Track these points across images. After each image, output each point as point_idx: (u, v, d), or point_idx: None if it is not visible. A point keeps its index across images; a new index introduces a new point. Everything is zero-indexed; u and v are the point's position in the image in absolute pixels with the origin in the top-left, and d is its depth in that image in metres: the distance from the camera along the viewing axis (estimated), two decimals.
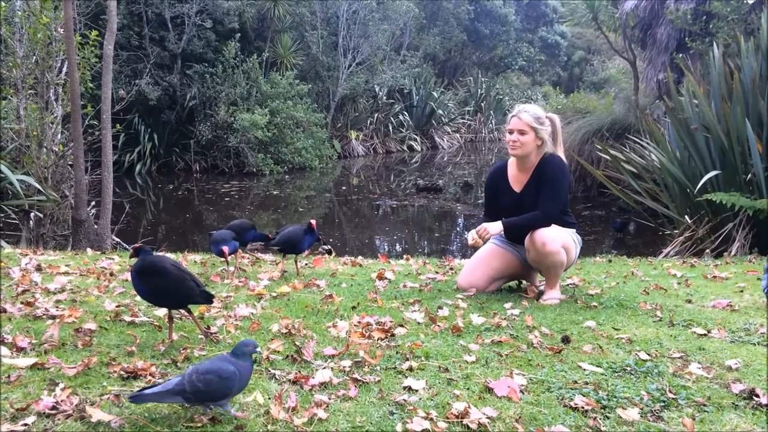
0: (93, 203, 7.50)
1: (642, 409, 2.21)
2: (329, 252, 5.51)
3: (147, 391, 1.95)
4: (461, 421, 2.06)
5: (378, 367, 2.52)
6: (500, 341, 2.88)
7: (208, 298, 2.67)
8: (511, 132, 3.78)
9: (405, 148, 24.67)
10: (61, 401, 2.03)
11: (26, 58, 7.34)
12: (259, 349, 2.06)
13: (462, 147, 27.42)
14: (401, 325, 3.07)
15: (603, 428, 2.08)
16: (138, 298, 3.14)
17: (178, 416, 2.01)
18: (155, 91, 16.46)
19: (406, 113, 25.00)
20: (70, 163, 7.31)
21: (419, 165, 21.60)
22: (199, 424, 1.97)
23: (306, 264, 4.72)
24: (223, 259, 4.06)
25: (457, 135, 28.38)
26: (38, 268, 4.15)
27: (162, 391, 1.93)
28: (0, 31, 7.29)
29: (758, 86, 6.61)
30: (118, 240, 7.64)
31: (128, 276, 3.25)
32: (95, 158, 7.75)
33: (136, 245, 2.77)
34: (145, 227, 11.11)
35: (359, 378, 2.37)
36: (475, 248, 4.01)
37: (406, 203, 13.84)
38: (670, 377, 2.50)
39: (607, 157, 8.51)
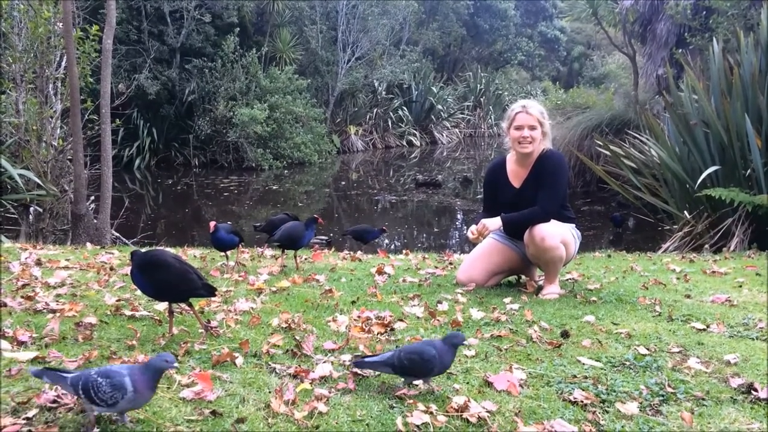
0: (92, 198, 7.51)
1: (641, 403, 2.22)
2: (329, 244, 5.53)
3: (368, 359, 2.29)
4: (461, 415, 2.07)
5: None
6: (499, 336, 2.89)
7: (210, 291, 2.68)
8: (519, 128, 3.75)
9: (404, 143, 24.67)
10: (62, 395, 2.03)
11: (25, 52, 7.33)
12: (466, 342, 2.26)
13: (461, 142, 27.43)
14: (401, 320, 3.07)
15: (602, 422, 2.09)
16: (138, 292, 3.15)
17: (179, 410, 2.02)
18: (154, 86, 16.44)
19: (405, 108, 25.00)
20: (69, 157, 7.31)
21: (418, 160, 21.60)
22: (201, 418, 1.98)
23: (305, 259, 4.72)
24: (222, 254, 4.06)
25: (456, 130, 28.38)
26: (38, 263, 4.15)
27: (378, 361, 2.24)
28: (0, 25, 7.27)
29: (758, 82, 6.61)
30: (118, 235, 7.65)
31: (128, 270, 3.25)
32: (94, 153, 7.75)
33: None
34: (144, 222, 11.11)
35: (359, 372, 2.38)
36: (474, 243, 4.02)
37: (406, 198, 13.84)
38: (669, 372, 2.51)
39: (607, 153, 8.52)
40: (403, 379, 2.27)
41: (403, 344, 2.72)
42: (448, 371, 2.44)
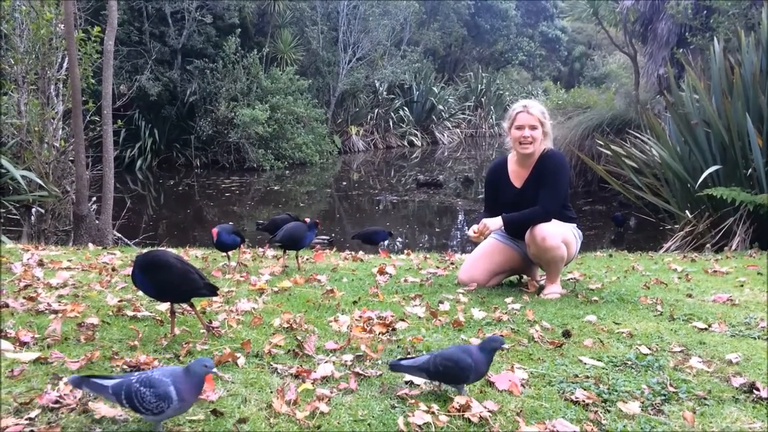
0: (94, 199, 7.52)
1: (643, 402, 2.22)
2: (330, 244, 5.55)
3: (403, 362, 2.26)
4: (463, 415, 2.07)
5: (379, 361, 2.52)
6: (501, 335, 2.89)
7: (212, 291, 2.68)
8: (520, 128, 3.75)
9: (405, 143, 24.67)
10: (65, 395, 2.04)
11: (27, 53, 7.33)
12: (505, 346, 2.23)
13: (462, 142, 27.43)
14: (402, 320, 3.08)
15: (604, 422, 2.09)
16: (140, 293, 3.15)
17: None
18: (156, 87, 16.46)
19: (406, 108, 25.00)
20: (71, 158, 7.32)
21: (419, 160, 21.60)
22: (203, 418, 1.98)
23: (307, 259, 4.73)
24: (223, 254, 4.07)
25: (458, 130, 28.38)
26: (40, 264, 4.16)
27: (413, 365, 2.22)
28: (1, 26, 7.29)
29: (759, 81, 6.61)
30: (120, 235, 7.66)
31: (130, 271, 3.25)
32: (96, 154, 7.76)
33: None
34: (146, 222, 11.12)
35: (361, 372, 2.38)
36: (475, 243, 4.02)
37: (407, 198, 13.84)
38: (670, 371, 2.51)
39: (608, 152, 8.51)
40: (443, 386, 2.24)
41: (403, 344, 2.72)
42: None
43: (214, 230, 4.02)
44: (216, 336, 2.74)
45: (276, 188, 15.14)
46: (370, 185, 15.84)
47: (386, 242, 6.13)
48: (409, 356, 2.46)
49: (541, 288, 3.85)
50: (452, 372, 2.15)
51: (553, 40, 37.20)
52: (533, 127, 3.74)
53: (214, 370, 1.90)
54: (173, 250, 5.12)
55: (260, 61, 18.11)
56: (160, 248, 4.60)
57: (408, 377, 2.35)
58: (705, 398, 2.28)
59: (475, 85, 30.34)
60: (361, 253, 5.37)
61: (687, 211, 6.89)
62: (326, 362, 2.47)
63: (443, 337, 2.87)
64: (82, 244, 6.04)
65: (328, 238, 6.65)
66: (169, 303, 2.75)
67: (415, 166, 19.91)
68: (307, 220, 4.51)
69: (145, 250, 3.36)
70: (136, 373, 1.89)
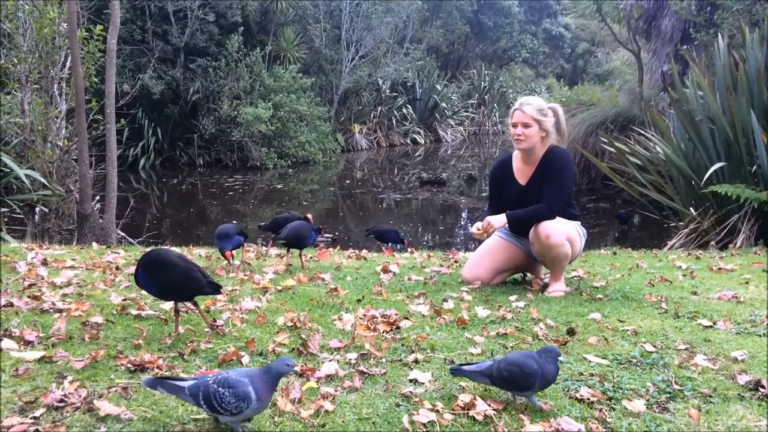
0: (98, 198, 7.53)
1: (648, 400, 2.22)
2: (334, 241, 5.56)
3: (465, 367, 2.20)
4: (467, 413, 2.07)
5: (384, 360, 2.52)
6: (505, 333, 2.89)
7: (216, 289, 2.68)
8: (515, 125, 3.77)
9: (408, 141, 24.66)
10: (69, 394, 2.04)
11: (30, 52, 7.34)
12: (561, 358, 2.14)
13: (465, 140, 27.40)
14: (406, 318, 3.07)
15: (609, 420, 2.08)
16: (144, 292, 3.15)
17: (186, 409, 2.02)
18: (158, 86, 16.47)
19: (409, 106, 24.98)
20: (74, 157, 7.33)
21: (423, 158, 21.58)
22: (208, 417, 1.98)
23: (311, 257, 4.72)
24: (227, 259, 4.07)
25: (461, 128, 28.35)
26: (44, 263, 4.16)
27: (475, 370, 2.16)
28: (5, 25, 7.29)
29: (763, 77, 6.58)
30: (123, 234, 7.67)
31: (133, 270, 3.25)
32: (99, 153, 7.77)
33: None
34: (149, 221, 11.13)
35: (365, 370, 2.38)
36: (479, 241, 4.01)
37: (410, 197, 13.84)
38: (675, 369, 2.50)
39: (612, 150, 8.49)
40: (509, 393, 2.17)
41: (407, 342, 2.72)
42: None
43: (227, 253, 4.02)
44: (220, 335, 2.74)
45: (279, 187, 15.14)
46: (374, 183, 15.84)
47: (398, 245, 6.16)
48: (470, 362, 2.36)
49: (546, 286, 3.85)
50: (517, 378, 2.07)
51: (556, 37, 37.12)
52: (526, 125, 3.74)
53: (296, 368, 1.93)
54: (177, 249, 5.13)
55: (263, 60, 18.11)
56: (162, 247, 4.60)
57: (413, 375, 2.34)
58: (710, 396, 2.27)
59: (479, 83, 30.30)
60: (364, 251, 5.37)
61: (691, 209, 6.87)
62: (330, 361, 2.47)
63: (447, 335, 2.87)
64: (85, 243, 6.05)
65: (331, 236, 6.66)
66: (173, 302, 2.75)
67: (419, 164, 19.89)
68: (309, 216, 4.53)
69: (147, 249, 3.36)
70: (211, 375, 1.91)
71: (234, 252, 4.28)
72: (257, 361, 2.46)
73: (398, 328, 2.93)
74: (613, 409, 2.15)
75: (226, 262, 4.36)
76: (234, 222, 5.41)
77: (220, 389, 1.83)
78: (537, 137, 3.76)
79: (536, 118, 3.73)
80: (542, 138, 3.78)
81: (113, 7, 6.93)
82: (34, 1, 7.32)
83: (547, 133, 3.78)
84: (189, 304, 2.82)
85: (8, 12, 7.37)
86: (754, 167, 6.49)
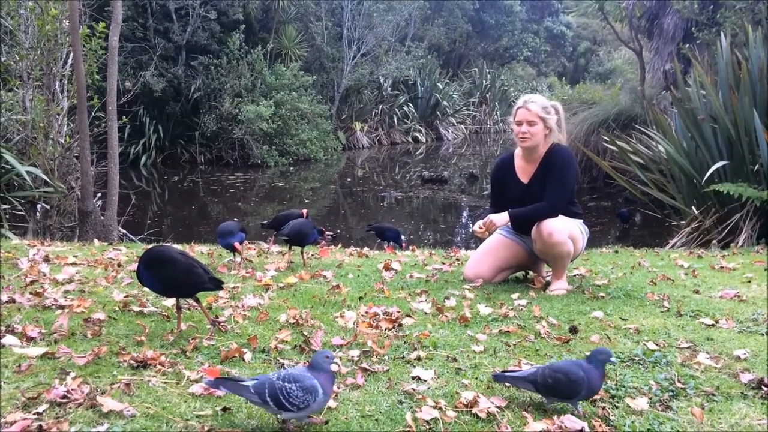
0: (99, 195, 7.52)
1: (651, 398, 2.22)
2: (333, 239, 5.56)
3: (508, 373, 2.18)
4: (470, 411, 2.07)
5: (386, 357, 2.52)
6: (508, 331, 2.89)
7: (217, 285, 2.68)
8: (519, 123, 3.77)
9: (410, 139, 24.64)
10: (72, 390, 2.04)
11: (32, 49, 7.34)
12: (613, 359, 2.12)
13: (467, 138, 27.38)
14: (409, 316, 3.07)
15: (612, 417, 2.08)
16: (146, 288, 3.15)
17: (189, 405, 2.03)
18: (160, 83, 16.46)
19: (410, 104, 24.96)
20: (76, 154, 7.33)
21: (424, 156, 21.57)
22: (210, 413, 1.98)
23: (312, 255, 4.72)
24: (235, 251, 4.07)
25: (462, 126, 28.31)
26: (46, 259, 4.16)
27: (519, 377, 2.13)
28: (7, 22, 7.29)
29: (766, 76, 6.57)
30: (125, 231, 7.66)
31: (135, 267, 3.24)
32: (101, 150, 7.76)
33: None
34: (151, 218, 11.14)
35: (368, 367, 2.38)
36: (481, 239, 4.01)
37: (411, 195, 13.83)
38: (678, 367, 2.50)
39: (614, 148, 8.48)
40: (545, 399, 2.14)
41: (409, 339, 2.72)
42: (456, 366, 2.44)
43: (236, 244, 4.02)
44: (222, 331, 2.74)
45: (280, 184, 15.14)
46: (375, 181, 15.84)
47: (396, 244, 6.17)
48: (514, 369, 2.33)
49: (548, 284, 3.85)
50: (562, 385, 2.04)
51: (558, 36, 37.08)
52: (531, 123, 3.74)
53: (336, 360, 1.93)
54: (178, 246, 5.13)
55: (264, 57, 18.09)
56: (164, 244, 4.60)
57: (415, 373, 2.34)
58: (713, 394, 2.27)
59: (480, 81, 30.27)
60: (366, 249, 5.37)
61: (693, 207, 6.87)
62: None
63: (450, 332, 2.87)
64: (87, 240, 6.05)
65: (332, 233, 6.65)
66: (174, 298, 2.75)
67: (420, 162, 19.88)
68: (305, 212, 4.52)
69: (149, 246, 3.36)
70: (272, 374, 1.93)
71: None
72: (260, 358, 2.46)
73: (400, 325, 2.93)
74: (616, 407, 2.15)
75: (228, 259, 4.36)
76: (235, 219, 5.42)
77: (286, 384, 1.85)
78: (541, 135, 3.76)
79: (541, 115, 3.73)
80: (545, 136, 3.78)
81: (115, 5, 6.92)
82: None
83: (551, 130, 3.78)
84: (191, 301, 2.82)
85: (10, 9, 7.37)
86: (757, 166, 6.48)
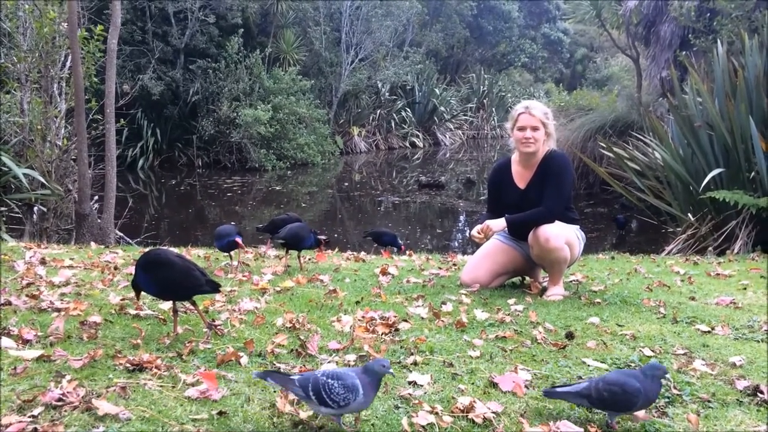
0: (96, 197, 7.51)
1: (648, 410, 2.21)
2: (327, 243, 5.56)
3: (559, 389, 2.12)
4: (467, 416, 2.07)
5: None
6: (504, 336, 2.89)
7: (215, 288, 2.68)
8: (522, 129, 3.77)
9: (407, 144, 24.67)
10: (68, 393, 2.03)
11: (30, 52, 7.33)
12: (668, 375, 2.11)
13: (464, 144, 27.42)
14: (405, 320, 3.07)
15: (608, 423, 2.08)
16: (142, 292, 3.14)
17: (185, 409, 2.02)
18: (158, 86, 16.46)
19: (408, 109, 25.00)
20: (73, 157, 7.32)
21: (421, 161, 21.59)
22: (206, 417, 1.98)
23: (309, 259, 4.72)
24: (237, 246, 4.07)
25: (460, 132, 28.36)
26: (42, 262, 4.16)
27: (571, 392, 2.07)
28: (5, 24, 7.29)
29: (762, 84, 6.60)
30: (121, 234, 7.66)
31: (132, 270, 3.23)
32: (98, 153, 7.76)
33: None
34: (148, 222, 11.12)
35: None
36: (478, 245, 4.02)
37: (409, 200, 13.84)
38: (674, 373, 2.50)
39: (611, 155, 8.50)
40: (607, 416, 2.08)
41: (406, 344, 2.72)
42: (452, 371, 2.44)
43: (238, 239, 4.03)
44: (219, 335, 2.74)
45: (278, 188, 15.14)
46: (372, 186, 15.84)
47: (395, 249, 6.17)
48: (565, 384, 2.27)
49: (544, 289, 3.85)
50: (618, 398, 2.00)
51: (555, 42, 37.18)
52: (535, 128, 3.75)
53: (390, 370, 1.94)
54: (175, 249, 5.12)
55: (263, 62, 18.11)
56: (161, 247, 4.60)
57: (411, 377, 2.34)
58: (709, 401, 2.27)
59: (478, 87, 30.33)
60: (363, 253, 5.37)
61: (689, 214, 6.88)
62: (329, 362, 2.47)
63: (446, 337, 2.87)
64: (84, 243, 6.05)
65: (325, 237, 6.65)
66: (171, 302, 2.75)
67: (417, 167, 19.90)
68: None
69: (146, 250, 3.36)
70: (319, 370, 1.98)
71: (232, 253, 4.28)
72: (256, 362, 2.46)
73: (397, 330, 2.93)
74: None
75: (225, 263, 4.36)
76: (232, 223, 5.43)
77: (329, 381, 1.88)
78: (542, 140, 3.78)
79: (543, 121, 3.76)
80: (544, 141, 3.80)
81: (114, 8, 6.93)
82: (36, 1, 7.31)
83: (549, 136, 3.79)
84: (188, 304, 2.81)
85: (8, 11, 7.36)
86: (753, 173, 6.50)
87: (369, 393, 1.90)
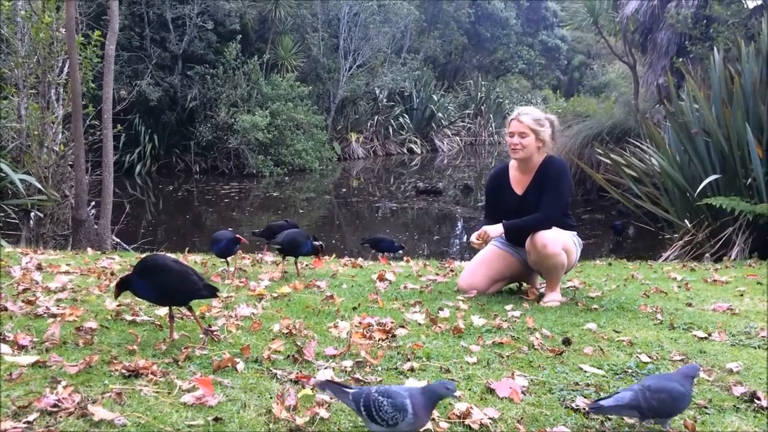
0: (93, 203, 7.50)
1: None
2: (321, 248, 5.56)
3: (606, 403, 2.04)
4: (463, 422, 2.06)
5: (379, 368, 2.52)
6: (501, 342, 2.88)
7: (212, 292, 2.67)
8: (512, 135, 3.80)
9: (405, 150, 24.71)
10: (63, 399, 2.02)
11: (28, 57, 7.34)
12: (701, 373, 2.12)
13: (462, 150, 27.47)
14: (402, 326, 3.06)
15: (605, 430, 2.08)
16: (138, 298, 3.12)
17: (180, 415, 2.01)
18: (156, 92, 16.48)
19: (406, 116, 25.05)
20: (70, 163, 7.31)
21: (419, 168, 21.62)
22: (202, 423, 1.97)
23: (306, 265, 4.72)
24: (239, 242, 4.07)
25: (457, 138, 28.43)
26: (39, 267, 4.15)
27: (619, 405, 2.03)
28: (2, 30, 7.29)
29: (759, 90, 6.62)
30: (118, 240, 7.64)
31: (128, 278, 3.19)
32: (96, 158, 7.75)
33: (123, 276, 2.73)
34: (145, 227, 11.12)
35: (361, 378, 2.37)
36: (475, 251, 4.02)
37: (406, 206, 13.84)
38: None
39: (607, 161, 8.53)
40: (643, 421, 2.06)
41: (403, 350, 2.71)
42: (449, 378, 2.44)
43: (238, 236, 4.04)
44: (215, 340, 2.73)
45: (275, 194, 15.14)
46: (370, 192, 15.85)
47: (393, 251, 6.17)
48: (606, 396, 2.16)
49: (541, 295, 3.85)
50: (668, 405, 2.00)
51: (552, 49, 37.31)
52: (522, 135, 3.76)
53: (453, 393, 1.91)
54: (172, 255, 5.12)
55: (261, 68, 18.15)
56: (157, 253, 4.59)
57: (408, 383, 2.34)
58: (706, 407, 2.27)
59: (475, 93, 30.41)
60: (360, 259, 5.37)
61: (686, 221, 6.90)
62: (326, 368, 2.46)
63: (443, 343, 2.86)
64: (80, 249, 6.03)
65: (319, 242, 6.65)
66: (167, 307, 2.74)
67: (415, 173, 19.92)
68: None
69: (142, 256, 3.35)
70: (375, 386, 1.96)
71: (229, 259, 4.28)
72: (252, 368, 2.45)
73: (394, 336, 2.92)
74: (609, 419, 2.15)
75: (222, 269, 4.36)
76: (230, 229, 5.43)
77: (380, 398, 1.85)
78: (533, 147, 3.78)
79: (532, 128, 3.75)
80: (538, 148, 3.80)
81: (112, 14, 6.94)
82: (32, 5, 7.32)
83: (544, 143, 3.79)
84: (184, 310, 2.81)
85: (4, 18, 7.37)
86: (749, 180, 6.52)
87: (421, 414, 1.85)
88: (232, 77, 17.45)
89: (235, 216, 12.58)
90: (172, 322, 2.73)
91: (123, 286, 2.68)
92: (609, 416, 2.14)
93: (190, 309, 2.73)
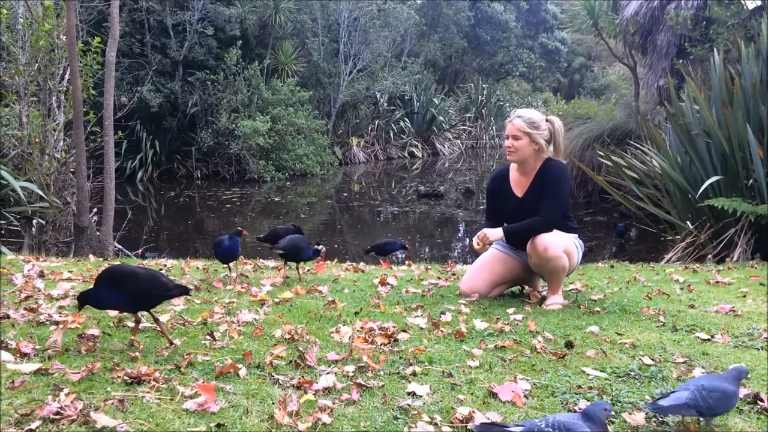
0: (95, 210, 7.52)
1: (647, 413, 2.21)
2: (322, 252, 5.57)
3: (665, 404, 2.06)
4: (466, 426, 2.06)
5: (382, 372, 2.51)
6: (503, 346, 2.88)
7: (183, 290, 2.73)
8: (507, 137, 3.82)
9: (406, 154, 24.72)
10: (66, 406, 2.02)
11: (28, 65, 7.36)
12: (747, 375, 2.18)
13: (463, 153, 27.47)
14: (404, 331, 3.06)
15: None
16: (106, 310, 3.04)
17: (183, 421, 2.01)
18: (157, 98, 16.51)
19: (407, 120, 25.07)
20: (72, 170, 7.33)
21: (420, 171, 21.62)
22: (204, 429, 1.97)
23: (308, 270, 4.72)
24: (241, 234, 4.09)
25: (458, 141, 28.44)
26: (41, 275, 4.15)
27: (679, 404, 2.06)
28: (2, 38, 7.32)
29: (759, 91, 6.62)
30: (120, 247, 7.65)
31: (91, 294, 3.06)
32: (97, 165, 7.77)
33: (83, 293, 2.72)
34: (147, 234, 11.12)
35: (363, 383, 2.37)
36: (477, 254, 4.01)
37: (408, 210, 13.85)
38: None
39: (609, 163, 8.53)
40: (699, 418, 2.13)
41: (405, 354, 2.71)
42: (452, 382, 2.44)
43: (240, 228, 4.07)
44: (173, 344, 2.72)
45: (277, 199, 15.15)
46: (371, 196, 15.85)
47: (398, 251, 6.13)
48: (663, 396, 2.18)
49: (543, 299, 3.84)
50: (721, 403, 2.07)
51: (552, 52, 37.34)
52: (515, 137, 3.78)
53: (611, 413, 1.89)
54: (174, 261, 5.13)
55: (261, 73, 18.18)
56: (117, 263, 4.64)
57: (410, 388, 2.34)
58: None
59: (476, 97, 30.43)
60: (362, 264, 5.36)
61: (688, 222, 6.89)
62: (328, 373, 2.46)
63: (445, 347, 2.86)
64: (82, 256, 6.04)
65: (320, 247, 6.65)
66: (139, 311, 2.75)
67: (416, 177, 19.92)
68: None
69: (103, 268, 3.35)
70: (541, 419, 1.89)
71: (231, 264, 4.28)
72: (254, 374, 2.44)
73: (396, 340, 2.92)
74: (612, 423, 2.15)
75: (224, 274, 4.36)
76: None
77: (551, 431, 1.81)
78: (527, 149, 3.78)
79: (525, 130, 3.75)
80: (535, 150, 3.80)
81: (112, 21, 6.96)
82: (32, 13, 7.34)
83: (540, 146, 3.79)
84: (186, 316, 2.81)
85: (3, 27, 7.39)
86: (751, 181, 6.52)
87: None
88: (232, 83, 17.48)
89: (236, 221, 12.58)
90: (136, 327, 2.78)
91: (84, 301, 2.67)
92: (665, 415, 2.16)
93: (156, 318, 2.75)
